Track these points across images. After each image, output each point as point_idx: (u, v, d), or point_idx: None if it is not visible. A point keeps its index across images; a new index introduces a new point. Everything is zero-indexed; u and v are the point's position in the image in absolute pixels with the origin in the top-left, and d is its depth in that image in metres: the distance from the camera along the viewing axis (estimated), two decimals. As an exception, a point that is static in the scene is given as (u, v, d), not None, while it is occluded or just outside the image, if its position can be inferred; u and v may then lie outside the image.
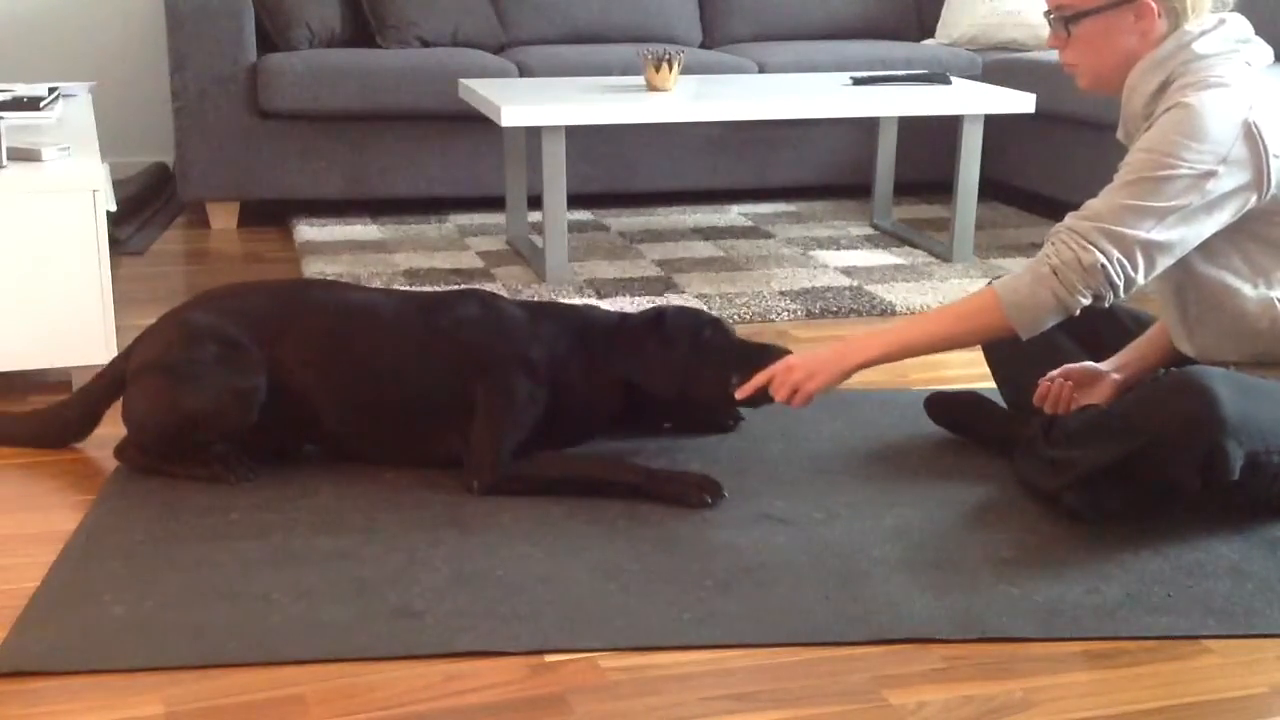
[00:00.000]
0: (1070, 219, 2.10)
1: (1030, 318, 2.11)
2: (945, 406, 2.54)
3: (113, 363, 2.43)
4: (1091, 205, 2.09)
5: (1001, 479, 2.33)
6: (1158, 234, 2.03)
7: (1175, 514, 2.16)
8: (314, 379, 2.31)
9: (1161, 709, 1.69)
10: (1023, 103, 3.85)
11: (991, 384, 2.56)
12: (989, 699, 1.70)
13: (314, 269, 3.73)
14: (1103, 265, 2.03)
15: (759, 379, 2.24)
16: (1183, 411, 1.99)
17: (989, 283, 2.20)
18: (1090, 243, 2.04)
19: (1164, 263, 2.06)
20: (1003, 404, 2.51)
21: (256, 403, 2.28)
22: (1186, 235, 2.04)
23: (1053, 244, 2.09)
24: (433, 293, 2.46)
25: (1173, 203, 2.01)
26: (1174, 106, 2.04)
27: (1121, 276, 2.04)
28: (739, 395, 2.28)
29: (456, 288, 2.51)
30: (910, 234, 4.19)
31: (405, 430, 2.34)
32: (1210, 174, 2.00)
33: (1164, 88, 2.09)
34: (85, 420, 2.44)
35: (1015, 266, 3.78)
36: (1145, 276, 2.06)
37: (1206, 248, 2.09)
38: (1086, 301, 2.07)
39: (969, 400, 2.53)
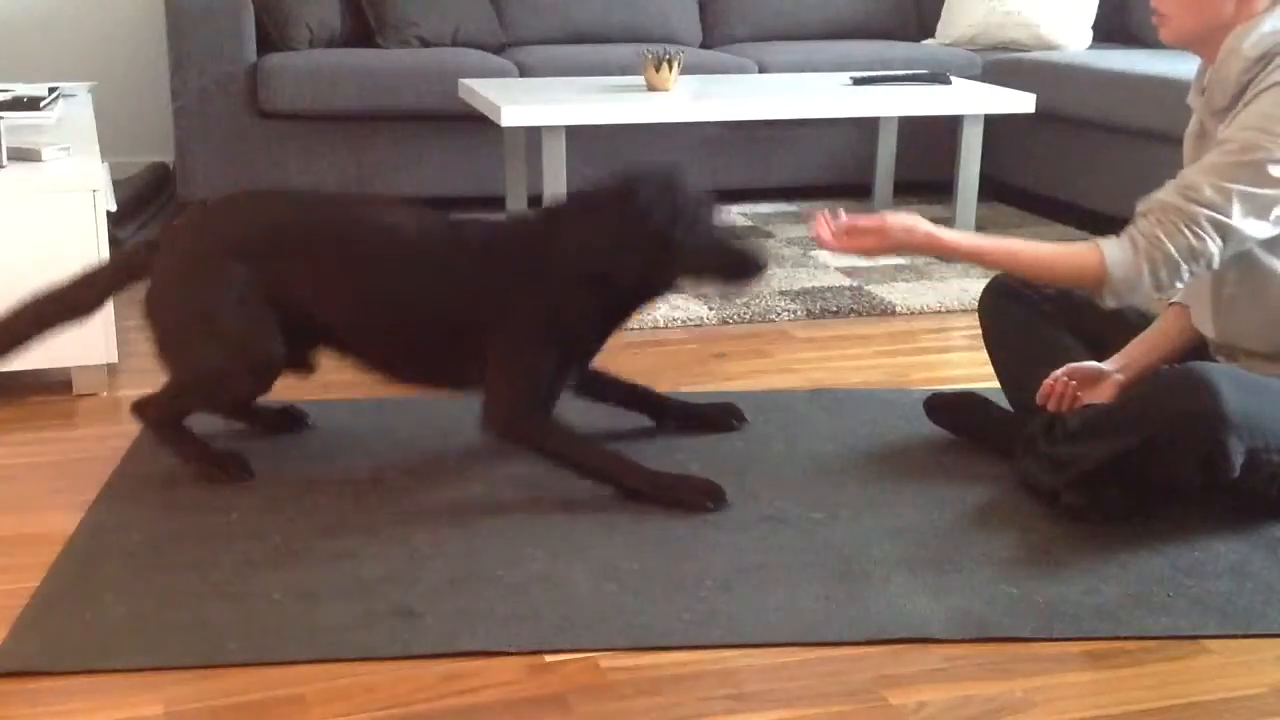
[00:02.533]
0: (1178, 197, 2.05)
1: (1125, 294, 2.10)
2: (945, 407, 2.54)
3: (132, 255, 2.36)
4: (1199, 186, 2.04)
5: (1001, 479, 2.33)
6: (1253, 227, 2.03)
7: (1175, 514, 2.16)
8: (331, 296, 2.29)
9: (1161, 709, 1.69)
10: (1023, 103, 3.85)
11: (991, 384, 2.56)
12: (989, 699, 1.70)
13: (314, 269, 3.73)
14: (1212, 255, 2.04)
15: (849, 223, 2.17)
16: (1185, 406, 1.99)
17: (1096, 243, 2.12)
18: (1204, 232, 2.02)
19: (1240, 249, 2.08)
20: (1004, 404, 2.51)
21: (278, 354, 2.28)
22: (1273, 230, 2.05)
23: (1163, 225, 2.05)
24: (455, 217, 2.40)
25: (1273, 191, 2.01)
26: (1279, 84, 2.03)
27: (1215, 265, 2.06)
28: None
29: (472, 216, 2.44)
30: (910, 234, 4.18)
31: (422, 352, 2.33)
32: None
33: (1267, 59, 2.06)
34: (93, 304, 2.37)
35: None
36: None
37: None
38: (1179, 286, 2.09)
39: (969, 400, 2.53)
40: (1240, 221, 2.02)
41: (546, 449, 2.27)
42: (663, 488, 2.23)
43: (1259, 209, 2.02)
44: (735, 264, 2.25)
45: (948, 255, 2.23)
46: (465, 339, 2.28)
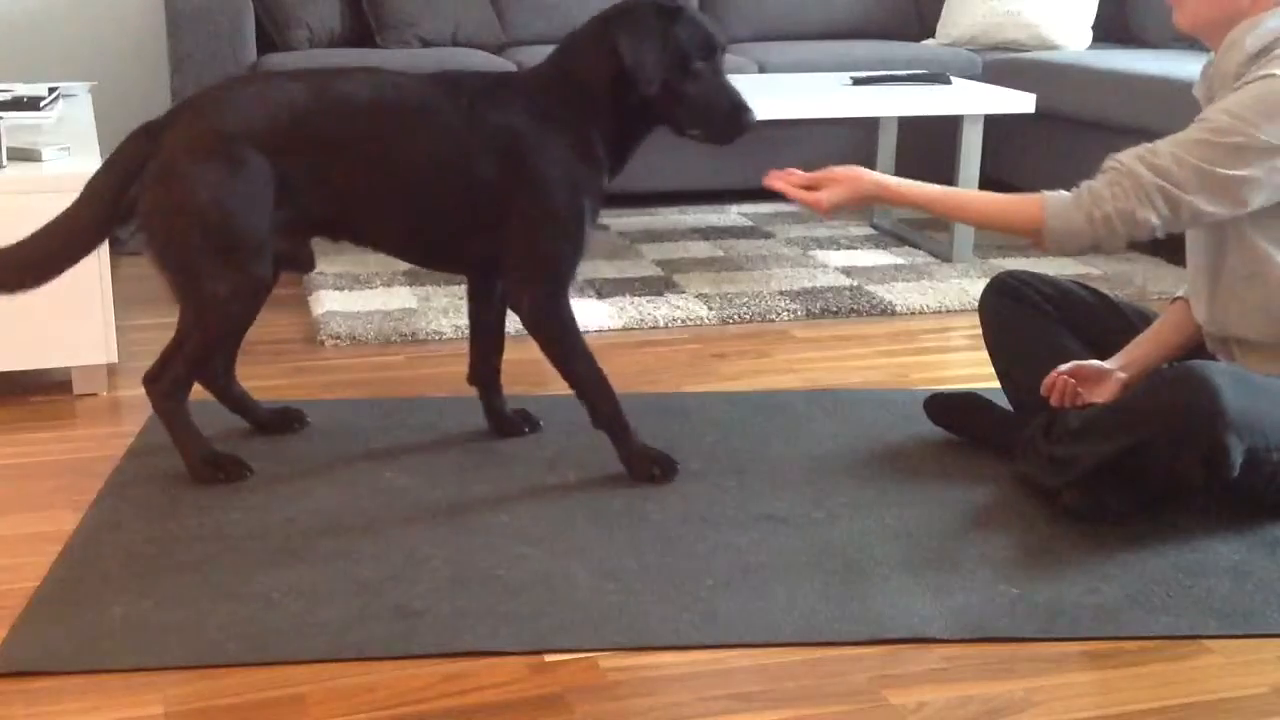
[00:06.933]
0: (1137, 162, 2.07)
1: (1063, 244, 2.12)
2: (945, 407, 2.54)
3: (132, 150, 2.19)
4: (1161, 154, 2.06)
5: (1001, 479, 2.33)
6: (1209, 205, 2.04)
7: (1175, 514, 2.16)
8: (355, 176, 2.21)
9: (1161, 709, 1.69)
10: (1023, 103, 3.85)
11: (991, 384, 2.56)
12: (989, 699, 1.70)
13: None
14: (1154, 225, 2.06)
15: (805, 178, 2.25)
16: (1184, 405, 1.99)
17: (1041, 193, 2.16)
18: (1151, 201, 2.04)
19: (1194, 226, 2.11)
20: (1004, 405, 2.51)
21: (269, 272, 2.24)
22: (1235, 209, 2.06)
23: (1112, 186, 2.07)
24: (460, 72, 2.35)
25: (1236, 172, 2.01)
26: (1269, 76, 2.02)
27: (1160, 233, 2.08)
28: (772, 183, 2.28)
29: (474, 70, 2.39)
30: (910, 234, 4.19)
31: (435, 229, 2.28)
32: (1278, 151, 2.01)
33: (1265, 53, 2.07)
34: (104, 221, 2.21)
35: (1014, 266, 3.77)
36: (1169, 233, 2.09)
37: (1264, 217, 2.09)
38: (1119, 247, 2.12)
39: (968, 401, 2.53)
40: (1194, 196, 2.03)
41: (563, 346, 2.28)
42: (628, 442, 2.31)
43: (1216, 187, 2.03)
44: (733, 112, 2.27)
45: (896, 203, 2.28)
46: (488, 204, 2.22)
